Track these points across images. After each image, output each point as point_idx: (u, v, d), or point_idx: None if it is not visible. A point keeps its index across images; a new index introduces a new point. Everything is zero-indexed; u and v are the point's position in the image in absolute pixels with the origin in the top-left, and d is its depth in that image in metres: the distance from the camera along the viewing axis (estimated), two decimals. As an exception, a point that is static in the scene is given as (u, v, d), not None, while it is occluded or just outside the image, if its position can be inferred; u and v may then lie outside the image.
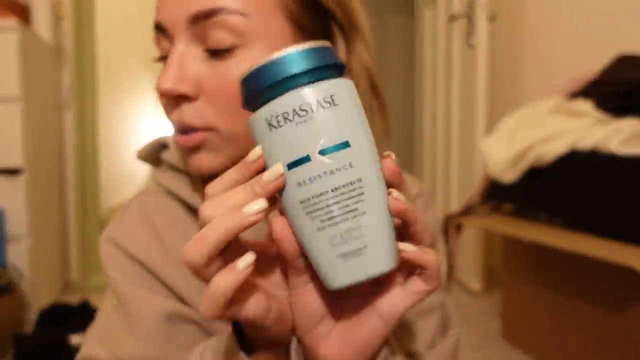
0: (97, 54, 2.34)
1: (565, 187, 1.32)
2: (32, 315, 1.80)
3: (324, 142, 0.27)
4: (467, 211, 1.65)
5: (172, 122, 0.42)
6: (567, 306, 1.42)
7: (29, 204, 1.82)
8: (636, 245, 1.14)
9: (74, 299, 1.92)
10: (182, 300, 0.47)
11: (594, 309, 1.34)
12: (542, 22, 2.06)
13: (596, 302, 1.33)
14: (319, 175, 0.27)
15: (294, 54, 0.27)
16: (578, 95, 1.45)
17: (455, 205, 2.36)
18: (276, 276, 0.33)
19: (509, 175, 1.44)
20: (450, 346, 0.52)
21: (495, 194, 1.60)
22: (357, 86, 0.31)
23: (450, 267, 1.65)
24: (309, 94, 0.27)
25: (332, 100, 0.27)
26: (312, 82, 0.28)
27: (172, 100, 0.41)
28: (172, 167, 0.50)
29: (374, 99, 0.45)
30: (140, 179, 3.34)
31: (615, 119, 1.26)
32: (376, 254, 0.28)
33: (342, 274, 0.28)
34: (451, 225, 1.63)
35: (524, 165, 1.38)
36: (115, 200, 3.18)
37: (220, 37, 0.38)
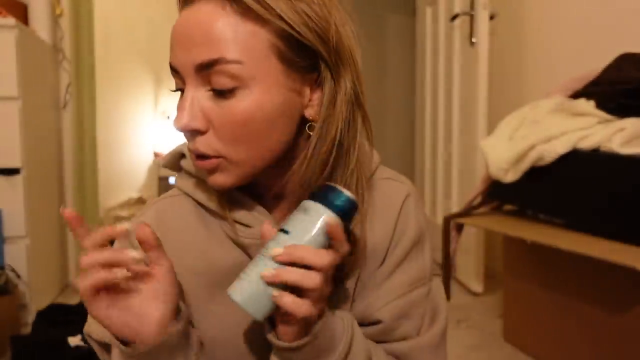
0: (95, 53, 2.33)
1: (566, 187, 1.31)
2: (30, 317, 1.79)
3: (284, 224, 0.47)
4: (468, 211, 1.64)
5: (190, 149, 0.50)
6: (568, 307, 1.42)
7: (26, 204, 1.82)
8: (637, 246, 1.13)
9: (72, 301, 1.91)
10: None
11: (595, 310, 1.33)
12: (543, 21, 2.05)
13: (597, 302, 1.32)
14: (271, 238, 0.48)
15: (317, 192, 0.48)
16: (579, 95, 1.44)
17: (456, 206, 2.35)
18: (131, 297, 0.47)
19: (509, 176, 1.43)
20: (437, 333, 0.59)
21: (496, 194, 1.60)
22: (340, 108, 0.50)
23: (450, 268, 1.65)
24: (306, 204, 0.47)
25: (306, 212, 0.46)
26: (315, 202, 0.47)
27: (188, 134, 0.49)
28: (190, 174, 0.58)
29: (358, 112, 0.52)
30: (139, 179, 3.33)
31: (617, 119, 1.25)
32: (241, 286, 0.45)
33: (230, 287, 0.46)
34: (452, 226, 1.62)
35: (525, 165, 1.37)
36: (114, 201, 3.17)
37: (222, 82, 0.46)
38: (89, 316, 0.57)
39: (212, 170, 0.50)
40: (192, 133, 0.48)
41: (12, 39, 1.75)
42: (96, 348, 0.57)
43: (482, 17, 2.04)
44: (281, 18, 0.46)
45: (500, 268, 1.87)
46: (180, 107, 0.48)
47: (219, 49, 0.45)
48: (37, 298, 1.86)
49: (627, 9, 1.64)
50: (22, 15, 2.07)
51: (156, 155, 3.27)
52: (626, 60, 1.40)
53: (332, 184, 0.49)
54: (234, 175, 0.50)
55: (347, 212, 0.47)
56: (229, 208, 0.56)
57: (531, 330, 1.57)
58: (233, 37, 0.45)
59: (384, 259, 0.59)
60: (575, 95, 1.46)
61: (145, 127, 3.30)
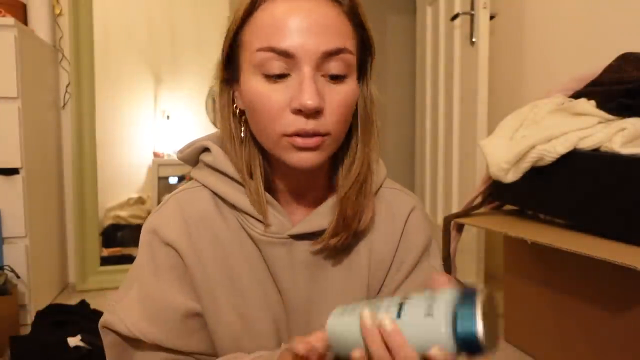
0: (95, 53, 2.32)
1: (567, 187, 1.31)
2: (30, 317, 1.78)
3: (407, 301, 0.42)
4: (468, 211, 1.64)
5: (301, 129, 0.52)
6: (569, 307, 1.41)
7: (26, 204, 1.81)
8: (637, 246, 1.13)
9: (72, 301, 1.91)
10: (195, 287, 0.59)
11: (595, 310, 1.33)
12: (543, 21, 2.05)
13: (598, 302, 1.32)
14: None
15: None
16: (579, 95, 1.44)
17: (456, 205, 2.35)
18: None
19: (510, 176, 1.43)
20: None
21: (497, 194, 1.59)
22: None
23: (450, 268, 1.64)
24: (434, 308, 0.40)
25: (429, 316, 0.39)
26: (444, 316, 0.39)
27: (308, 114, 0.52)
28: (210, 167, 0.61)
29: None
30: (139, 179, 3.33)
31: (617, 119, 1.25)
32: (340, 314, 0.46)
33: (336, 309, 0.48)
34: (452, 226, 1.62)
35: (525, 165, 1.37)
36: (114, 201, 3.17)
37: (339, 68, 0.53)
38: (107, 309, 0.59)
39: (314, 148, 0.54)
40: (316, 112, 0.52)
41: (11, 38, 1.75)
42: (111, 342, 0.59)
43: (482, 16, 2.04)
44: (364, 25, 0.56)
45: (500, 268, 1.87)
46: (307, 87, 0.51)
47: (342, 40, 0.53)
48: (36, 298, 1.86)
49: (627, 9, 1.64)
50: (22, 14, 2.07)
51: (156, 155, 3.27)
52: (626, 60, 1.39)
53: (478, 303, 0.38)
54: (326, 154, 0.55)
55: (466, 348, 0.38)
56: (244, 204, 0.58)
57: (531, 330, 1.57)
58: (348, 32, 0.54)
59: (389, 267, 0.64)
60: (576, 95, 1.46)
61: (145, 127, 3.30)
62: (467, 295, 0.38)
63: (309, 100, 0.50)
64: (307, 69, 0.51)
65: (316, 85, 0.51)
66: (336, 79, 0.53)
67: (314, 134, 0.53)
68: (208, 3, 3.11)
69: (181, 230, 0.59)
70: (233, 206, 0.59)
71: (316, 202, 0.61)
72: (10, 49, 1.75)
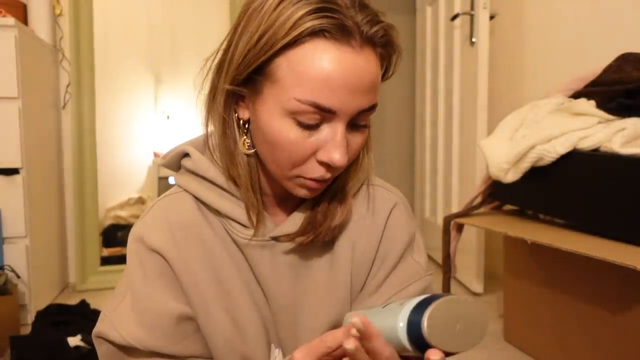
0: (95, 53, 2.32)
1: (566, 187, 1.31)
2: (30, 317, 1.79)
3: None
4: (468, 211, 1.64)
5: (318, 175, 0.53)
6: (569, 307, 1.41)
7: (26, 204, 1.81)
8: (637, 246, 1.13)
9: (72, 301, 1.91)
10: (185, 292, 0.58)
11: (595, 310, 1.33)
12: (543, 21, 2.05)
13: (597, 302, 1.32)
14: None
15: None
16: (579, 95, 1.44)
17: (456, 205, 2.35)
18: None
19: (510, 176, 1.43)
20: None
21: (497, 194, 1.59)
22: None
23: (450, 268, 1.65)
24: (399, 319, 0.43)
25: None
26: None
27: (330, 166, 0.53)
28: (192, 173, 0.61)
29: None
30: (139, 179, 3.33)
31: (617, 119, 1.25)
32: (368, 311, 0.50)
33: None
34: (452, 226, 1.62)
35: (525, 165, 1.37)
36: (114, 201, 3.17)
37: (366, 120, 0.54)
38: (100, 319, 0.58)
39: (320, 189, 0.55)
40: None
41: (11, 38, 1.75)
42: (106, 351, 0.58)
43: (482, 17, 2.04)
44: (391, 70, 0.56)
45: (500, 268, 1.87)
46: (340, 145, 0.51)
47: (376, 95, 0.53)
48: (36, 298, 1.86)
49: (627, 9, 1.64)
50: (22, 15, 2.07)
51: (156, 155, 3.27)
52: (626, 60, 1.39)
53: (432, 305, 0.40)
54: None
55: (414, 340, 0.40)
56: (227, 209, 0.59)
57: (531, 330, 1.57)
58: (379, 80, 0.53)
59: (372, 263, 0.64)
60: (576, 95, 1.46)
61: (145, 127, 3.30)
62: (433, 297, 0.40)
63: (339, 160, 0.51)
64: (341, 125, 0.51)
65: (345, 139, 0.52)
66: (357, 128, 0.54)
67: (326, 180, 0.54)
68: (208, 3, 3.11)
69: (167, 237, 0.59)
70: (216, 211, 0.59)
71: (297, 204, 0.62)
72: (10, 49, 1.75)
